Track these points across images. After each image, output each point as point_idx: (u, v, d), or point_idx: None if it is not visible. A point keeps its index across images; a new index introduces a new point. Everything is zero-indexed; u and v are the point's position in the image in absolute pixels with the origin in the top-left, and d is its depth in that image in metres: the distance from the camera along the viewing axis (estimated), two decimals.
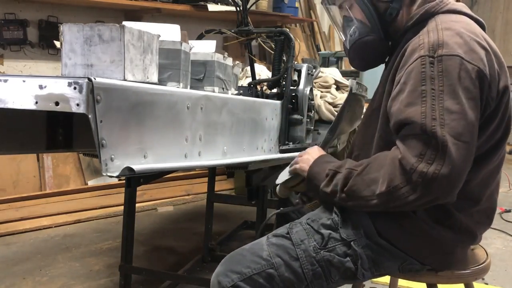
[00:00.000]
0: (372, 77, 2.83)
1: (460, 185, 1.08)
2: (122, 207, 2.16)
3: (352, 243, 1.21)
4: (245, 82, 2.59)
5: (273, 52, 2.29)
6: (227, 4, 4.00)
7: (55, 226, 3.19)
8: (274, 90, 2.23)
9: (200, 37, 2.33)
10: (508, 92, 1.17)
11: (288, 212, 1.50)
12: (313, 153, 1.35)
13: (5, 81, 0.99)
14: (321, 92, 2.71)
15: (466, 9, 1.27)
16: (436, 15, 1.23)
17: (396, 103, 1.14)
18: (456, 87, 1.08)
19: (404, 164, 1.06)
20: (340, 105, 2.54)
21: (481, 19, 1.29)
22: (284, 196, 1.46)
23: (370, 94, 1.59)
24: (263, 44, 2.37)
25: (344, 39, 1.42)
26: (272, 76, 2.27)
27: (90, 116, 0.95)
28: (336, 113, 2.52)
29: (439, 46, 1.12)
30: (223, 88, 1.71)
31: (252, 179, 1.72)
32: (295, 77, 2.24)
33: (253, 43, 2.41)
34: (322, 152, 1.35)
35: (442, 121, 1.05)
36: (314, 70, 2.37)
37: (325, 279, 1.22)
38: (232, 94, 1.80)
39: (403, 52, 1.21)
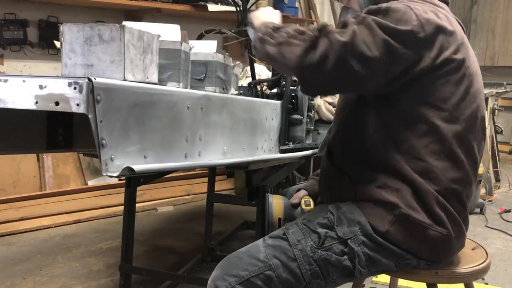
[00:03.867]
0: None
1: (344, 63, 1.14)
2: (122, 207, 2.16)
3: (348, 241, 1.22)
4: (245, 82, 2.59)
5: None
6: (227, 4, 4.00)
7: (55, 226, 3.19)
8: (274, 90, 2.23)
9: (200, 37, 2.33)
10: (466, 70, 1.23)
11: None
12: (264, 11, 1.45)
13: (5, 81, 0.99)
14: None
15: (443, 4, 1.33)
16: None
17: None
18: (392, 22, 1.16)
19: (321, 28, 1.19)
20: None
21: (457, 18, 1.36)
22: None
23: None
24: None
25: None
26: (272, 76, 2.27)
27: (90, 116, 0.95)
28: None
29: (398, 1, 1.24)
30: (223, 88, 1.72)
31: (252, 179, 1.72)
32: (295, 77, 2.23)
33: None
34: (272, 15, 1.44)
35: (361, 21, 1.17)
36: None
37: (323, 279, 1.22)
38: (232, 94, 1.80)
39: None
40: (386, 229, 1.21)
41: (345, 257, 1.21)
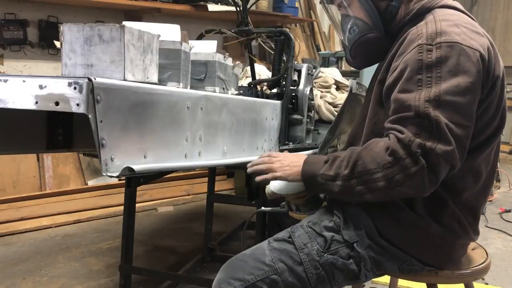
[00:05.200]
0: None
1: (457, 163, 1.09)
2: (122, 207, 2.16)
3: (355, 244, 1.21)
4: (245, 82, 2.59)
5: (273, 52, 2.29)
6: (227, 4, 4.00)
7: (55, 226, 3.19)
8: (274, 90, 2.22)
9: (200, 37, 2.32)
10: (500, 82, 1.19)
11: (271, 212, 1.50)
12: (290, 157, 1.29)
13: (5, 81, 0.99)
14: (321, 92, 2.70)
15: (460, 6, 1.29)
16: (432, 10, 1.25)
17: (393, 91, 1.15)
18: (455, 72, 1.09)
19: (402, 139, 1.08)
20: (340, 105, 2.54)
21: (474, 18, 1.30)
22: (272, 198, 1.42)
23: None
24: (263, 44, 2.37)
25: (342, 37, 1.43)
26: (272, 76, 2.27)
27: (90, 116, 0.95)
28: (336, 113, 2.52)
29: (437, 35, 1.13)
30: (223, 88, 1.72)
31: (252, 179, 1.72)
32: (295, 77, 2.23)
33: (253, 43, 2.41)
34: (299, 155, 1.31)
35: (437, 103, 1.07)
36: (314, 70, 2.37)
37: (329, 282, 1.21)
38: (232, 94, 1.80)
39: (401, 42, 1.22)
40: (392, 233, 1.21)
41: (351, 260, 1.20)
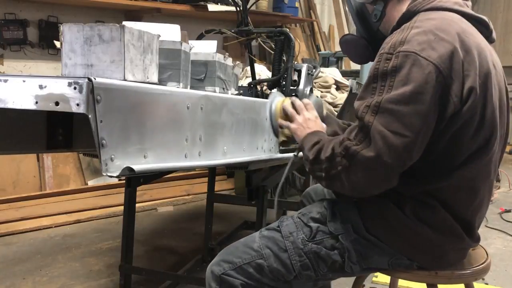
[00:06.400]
0: None
1: (392, 174, 1.09)
2: (122, 207, 2.16)
3: (339, 236, 1.24)
4: (245, 82, 2.59)
5: (273, 52, 2.29)
6: (227, 4, 4.00)
7: (55, 226, 3.19)
8: (274, 90, 2.22)
9: (200, 37, 2.32)
10: (478, 92, 1.12)
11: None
12: (310, 121, 1.47)
13: (5, 81, 0.99)
14: (321, 92, 2.71)
15: (458, 6, 1.23)
16: (417, 13, 1.21)
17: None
18: (405, 82, 1.07)
19: (342, 139, 1.15)
20: (340, 105, 2.54)
21: (480, 16, 1.25)
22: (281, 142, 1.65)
23: None
24: (263, 44, 2.36)
25: None
26: (272, 76, 2.27)
27: (90, 116, 0.95)
28: (336, 113, 2.52)
29: (400, 44, 1.11)
30: (223, 88, 1.71)
31: (252, 179, 1.72)
32: (295, 77, 2.23)
33: (253, 43, 2.41)
34: (317, 123, 1.47)
35: (375, 109, 1.08)
36: (314, 70, 2.37)
37: (313, 271, 1.25)
38: (232, 94, 1.80)
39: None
40: (380, 231, 1.22)
41: (335, 251, 1.23)
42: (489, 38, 1.27)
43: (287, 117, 1.59)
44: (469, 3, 1.27)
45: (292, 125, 1.49)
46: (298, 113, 1.52)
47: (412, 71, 1.06)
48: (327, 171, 1.16)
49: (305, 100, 1.58)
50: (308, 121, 1.46)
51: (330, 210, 1.28)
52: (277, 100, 1.70)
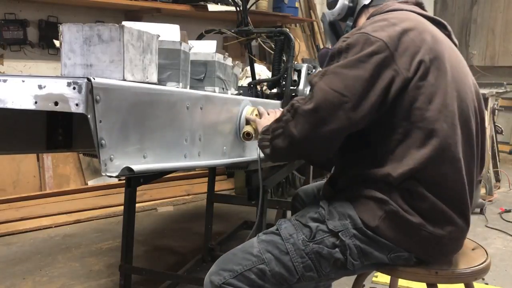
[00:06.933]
0: None
1: (330, 132, 1.18)
2: (122, 207, 2.16)
3: (339, 234, 1.23)
4: (245, 82, 2.59)
5: (273, 52, 2.29)
6: (227, 4, 4.00)
7: (55, 226, 3.19)
8: (274, 90, 2.22)
9: (200, 37, 2.32)
10: (428, 65, 1.21)
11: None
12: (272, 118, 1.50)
13: (5, 81, 0.99)
14: None
15: (416, 9, 1.35)
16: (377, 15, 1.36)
17: None
18: (355, 55, 1.18)
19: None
20: None
21: (438, 18, 1.38)
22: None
23: None
24: (263, 44, 2.37)
25: None
26: (272, 76, 2.27)
27: (89, 116, 0.95)
28: None
29: (356, 30, 1.26)
30: (223, 88, 1.71)
31: (252, 179, 1.72)
32: (295, 77, 2.23)
33: (253, 43, 2.41)
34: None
35: (324, 73, 1.21)
36: (314, 70, 2.37)
37: (316, 272, 1.24)
38: (232, 94, 1.80)
39: None
40: (376, 225, 1.23)
41: (337, 249, 1.23)
42: (450, 38, 1.38)
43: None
44: (428, 10, 1.40)
45: (260, 120, 1.56)
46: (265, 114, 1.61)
47: (364, 48, 1.19)
48: (272, 132, 1.28)
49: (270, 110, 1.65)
50: (276, 115, 1.54)
51: (327, 209, 1.28)
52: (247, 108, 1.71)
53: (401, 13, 1.31)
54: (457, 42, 1.41)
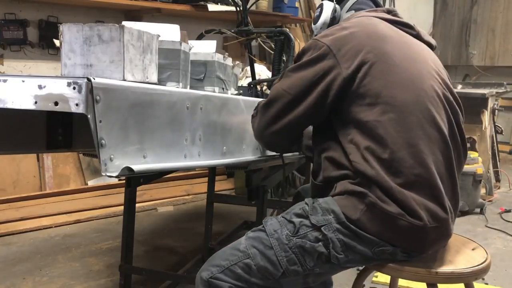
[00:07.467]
0: None
1: (275, 122, 1.39)
2: (122, 207, 2.16)
3: (322, 228, 1.26)
4: (245, 82, 2.59)
5: (273, 52, 2.29)
6: (227, 4, 4.00)
7: (55, 226, 3.19)
8: None
9: (200, 37, 2.33)
10: (369, 66, 1.29)
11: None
12: None
13: (5, 81, 1.00)
14: None
15: (383, 14, 1.46)
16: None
17: None
18: (305, 59, 1.35)
19: None
20: None
21: (402, 19, 1.47)
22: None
23: None
24: (263, 44, 2.37)
25: None
26: (272, 76, 2.27)
27: (89, 116, 0.95)
28: None
29: (313, 37, 1.42)
30: (223, 88, 1.72)
31: (252, 179, 1.72)
32: None
33: (253, 43, 2.41)
34: None
35: (282, 76, 1.42)
36: None
37: (300, 265, 1.26)
38: (232, 94, 1.80)
39: None
40: (358, 218, 1.25)
41: (320, 243, 1.25)
42: (419, 38, 1.48)
43: None
44: (394, 15, 1.49)
45: None
46: None
47: (313, 52, 1.34)
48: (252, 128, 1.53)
49: None
50: None
51: (311, 205, 1.31)
52: None
53: (360, 19, 1.43)
54: (431, 41, 1.52)
